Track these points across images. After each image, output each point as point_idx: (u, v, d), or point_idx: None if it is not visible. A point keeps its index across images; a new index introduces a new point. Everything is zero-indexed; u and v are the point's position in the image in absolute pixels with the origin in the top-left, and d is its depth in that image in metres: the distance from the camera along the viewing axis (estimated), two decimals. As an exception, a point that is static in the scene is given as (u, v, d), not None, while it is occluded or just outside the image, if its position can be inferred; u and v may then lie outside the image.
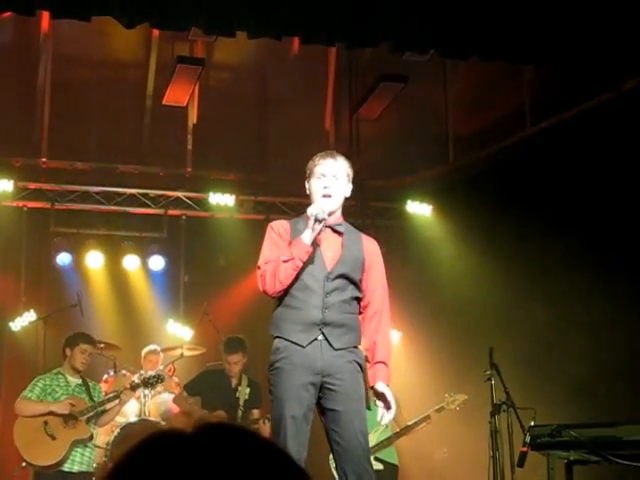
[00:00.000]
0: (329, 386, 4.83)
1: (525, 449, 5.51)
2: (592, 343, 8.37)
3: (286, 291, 4.91)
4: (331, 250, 4.97)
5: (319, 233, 4.86)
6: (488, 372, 6.87)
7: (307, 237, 4.83)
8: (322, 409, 4.91)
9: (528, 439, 5.46)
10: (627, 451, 5.18)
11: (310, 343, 4.83)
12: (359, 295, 5.02)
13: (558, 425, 5.35)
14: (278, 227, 5.07)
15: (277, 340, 4.92)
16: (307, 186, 5.06)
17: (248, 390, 8.70)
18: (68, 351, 8.15)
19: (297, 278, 4.87)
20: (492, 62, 8.70)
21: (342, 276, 4.93)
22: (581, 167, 8.68)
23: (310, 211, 4.84)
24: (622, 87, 8.51)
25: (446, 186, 10.96)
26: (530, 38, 7.73)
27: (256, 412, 8.67)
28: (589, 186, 8.61)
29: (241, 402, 8.63)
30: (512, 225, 9.26)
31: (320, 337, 4.84)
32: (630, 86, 8.44)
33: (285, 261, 4.80)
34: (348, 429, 4.81)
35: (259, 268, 4.93)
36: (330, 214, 4.91)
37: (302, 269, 4.86)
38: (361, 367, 4.97)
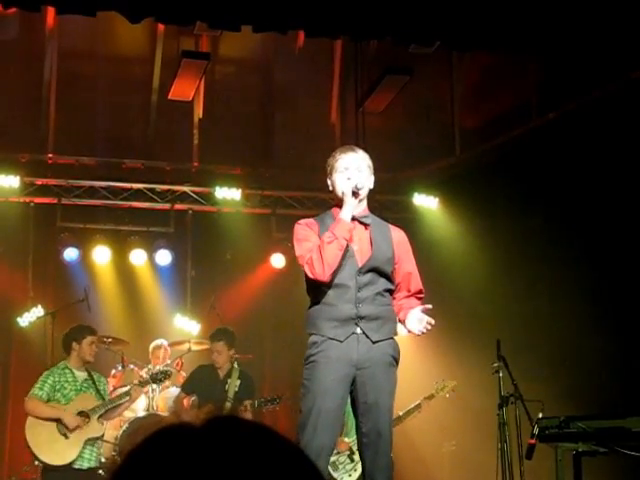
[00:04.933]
0: (362, 379, 4.86)
1: (533, 441, 5.51)
2: (600, 334, 8.36)
3: (319, 288, 4.92)
4: (360, 244, 4.98)
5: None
6: (496, 364, 6.88)
7: (346, 214, 4.88)
8: (353, 400, 4.95)
9: (536, 431, 5.45)
10: (636, 442, 5.18)
11: (348, 337, 4.85)
12: (391, 287, 5.04)
13: (566, 417, 5.35)
14: (305, 222, 5.10)
15: (314, 336, 4.93)
16: (329, 182, 5.08)
17: (238, 382, 8.72)
18: (75, 345, 8.19)
19: None
20: (497, 53, 8.69)
21: (373, 270, 4.94)
22: (587, 157, 8.66)
23: (343, 188, 4.90)
24: (628, 77, 8.49)
25: (452, 178, 10.95)
26: (535, 29, 7.71)
27: (247, 404, 8.66)
28: (595, 176, 8.59)
29: (230, 394, 8.63)
30: (519, 217, 9.26)
31: (358, 331, 4.86)
32: (636, 76, 8.42)
33: (329, 242, 4.80)
34: (377, 422, 4.84)
35: (302, 258, 4.91)
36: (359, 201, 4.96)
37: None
38: (396, 361, 5.00)
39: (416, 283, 5.18)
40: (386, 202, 11.32)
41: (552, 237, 8.96)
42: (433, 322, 4.91)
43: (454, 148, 11.17)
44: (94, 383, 8.20)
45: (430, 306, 4.97)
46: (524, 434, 6.29)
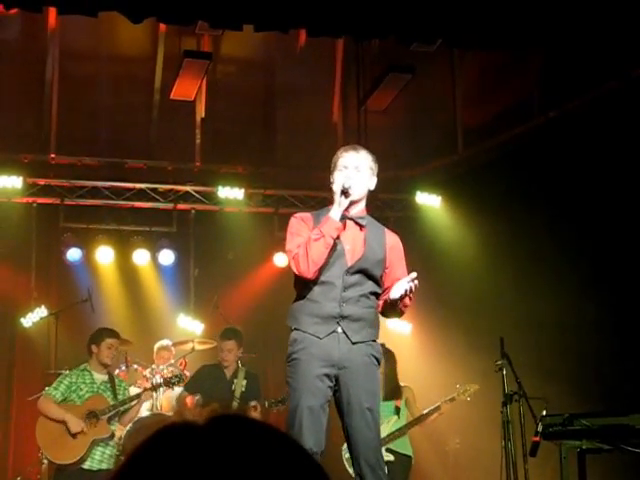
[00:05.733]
0: (344, 379, 4.85)
1: (537, 439, 5.51)
2: (604, 332, 8.35)
3: (305, 284, 4.92)
4: (352, 244, 4.97)
5: (346, 208, 4.90)
6: (499, 362, 6.88)
7: (335, 213, 4.87)
8: (337, 401, 4.94)
9: (540, 428, 5.46)
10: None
11: (328, 335, 4.84)
12: (378, 291, 5.02)
13: (570, 414, 5.35)
14: (301, 216, 5.13)
15: (295, 332, 4.94)
16: (331, 180, 5.07)
17: (245, 382, 8.71)
18: (94, 347, 8.18)
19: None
20: (499, 51, 8.68)
21: (362, 271, 4.93)
22: (589, 156, 8.65)
23: (335, 187, 4.90)
24: (630, 75, 8.49)
25: (455, 177, 10.94)
26: (537, 27, 7.71)
27: (257, 404, 8.67)
28: (597, 175, 8.59)
29: (237, 394, 8.63)
30: (521, 215, 9.25)
31: (339, 330, 4.85)
32: (638, 74, 8.41)
33: (316, 240, 4.81)
34: (361, 422, 4.84)
35: (290, 252, 4.94)
36: (352, 203, 4.95)
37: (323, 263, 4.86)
38: (378, 361, 4.98)
39: None
40: (389, 200, 11.33)
41: (555, 235, 8.95)
42: (417, 283, 4.81)
43: (457, 146, 11.16)
44: (113, 387, 8.19)
45: (415, 274, 4.89)
46: (528, 432, 6.29)
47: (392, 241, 5.14)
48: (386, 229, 5.22)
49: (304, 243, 4.85)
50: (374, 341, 4.98)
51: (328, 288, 4.89)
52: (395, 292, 4.86)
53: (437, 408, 8.56)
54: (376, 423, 4.94)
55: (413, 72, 9.81)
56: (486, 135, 10.61)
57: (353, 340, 4.86)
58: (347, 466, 8.59)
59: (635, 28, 7.60)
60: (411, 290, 4.82)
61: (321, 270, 4.86)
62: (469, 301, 10.00)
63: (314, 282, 4.89)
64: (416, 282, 4.80)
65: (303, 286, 4.95)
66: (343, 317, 4.86)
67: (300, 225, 5.03)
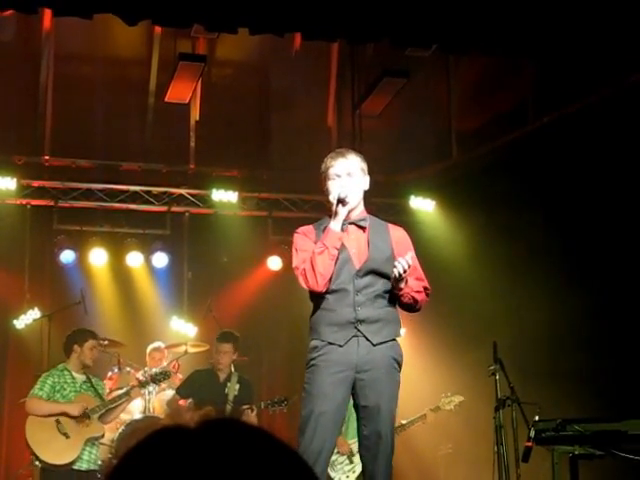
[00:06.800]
0: (363, 382, 4.85)
1: (530, 444, 5.51)
2: (598, 337, 8.36)
3: (319, 295, 4.91)
4: (357, 247, 4.96)
5: (346, 217, 4.90)
6: (492, 367, 6.87)
7: (335, 224, 4.87)
8: (355, 403, 4.94)
9: (532, 434, 5.46)
10: (632, 445, 5.18)
11: (348, 342, 4.83)
12: None
13: (563, 419, 5.35)
14: (303, 231, 5.09)
15: (315, 340, 4.91)
16: (325, 189, 5.06)
17: (238, 386, 8.71)
18: (77, 347, 8.19)
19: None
20: (494, 56, 8.69)
21: (371, 272, 4.91)
22: (583, 161, 8.67)
23: (332, 198, 4.89)
24: (624, 81, 8.50)
25: (449, 181, 10.95)
26: (532, 32, 7.72)
27: (253, 406, 8.67)
28: (591, 180, 8.60)
29: (230, 397, 8.63)
30: (515, 220, 9.26)
31: (358, 334, 4.84)
32: (633, 80, 8.43)
33: (320, 253, 4.79)
34: (377, 425, 4.83)
35: (297, 269, 4.91)
36: (352, 210, 4.94)
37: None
38: (398, 364, 4.96)
39: (417, 273, 5.03)
40: (383, 205, 11.31)
41: (549, 240, 8.96)
42: (409, 260, 4.72)
43: (451, 151, 11.17)
44: (92, 386, 8.20)
45: (410, 253, 4.83)
46: (521, 437, 6.28)
47: (397, 235, 5.12)
48: (389, 225, 5.19)
49: (309, 258, 4.84)
50: (395, 340, 4.95)
51: (341, 295, 4.88)
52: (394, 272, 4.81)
53: (422, 417, 8.59)
54: (391, 428, 4.93)
55: (408, 77, 9.82)
56: (480, 140, 10.62)
57: (374, 342, 4.84)
58: (328, 469, 8.58)
59: (630, 34, 7.62)
60: (405, 270, 4.70)
61: (331, 279, 4.86)
62: (462, 305, 10.00)
63: (327, 291, 4.89)
64: (409, 260, 4.71)
65: (318, 297, 4.94)
66: (360, 321, 4.84)
67: (303, 240, 5.01)
